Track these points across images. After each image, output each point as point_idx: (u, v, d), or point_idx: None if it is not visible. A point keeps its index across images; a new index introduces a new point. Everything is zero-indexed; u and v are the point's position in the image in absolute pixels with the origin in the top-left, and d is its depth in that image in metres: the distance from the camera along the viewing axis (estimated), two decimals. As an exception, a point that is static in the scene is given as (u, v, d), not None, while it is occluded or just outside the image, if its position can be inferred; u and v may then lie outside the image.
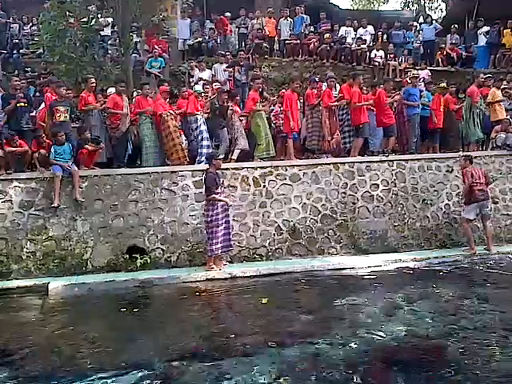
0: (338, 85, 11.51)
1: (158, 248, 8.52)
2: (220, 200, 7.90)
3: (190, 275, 7.79)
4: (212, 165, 8.09)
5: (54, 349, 5.12)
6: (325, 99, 9.80)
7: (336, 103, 9.86)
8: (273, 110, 10.60)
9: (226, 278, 7.75)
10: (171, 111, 9.35)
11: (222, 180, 8.20)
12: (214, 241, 7.88)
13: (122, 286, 7.45)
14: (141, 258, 8.19)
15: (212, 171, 8.02)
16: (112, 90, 10.15)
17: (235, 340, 5.13)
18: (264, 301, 6.40)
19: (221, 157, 8.42)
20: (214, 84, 11.34)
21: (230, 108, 9.49)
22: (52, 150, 8.48)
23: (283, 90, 10.77)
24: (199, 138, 9.38)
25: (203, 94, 10.15)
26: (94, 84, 9.65)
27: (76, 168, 8.51)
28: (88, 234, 8.37)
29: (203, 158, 9.18)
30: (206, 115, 9.81)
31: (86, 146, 8.83)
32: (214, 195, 7.85)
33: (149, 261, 8.27)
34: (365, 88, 10.34)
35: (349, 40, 14.93)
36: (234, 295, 7.04)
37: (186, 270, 8.08)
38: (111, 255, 8.31)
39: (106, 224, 8.46)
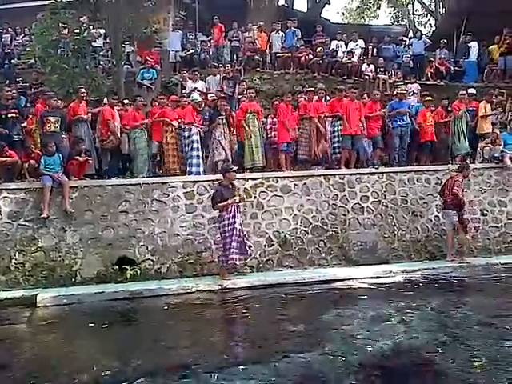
0: (328, 97, 11.65)
1: (148, 259, 8.49)
2: (223, 205, 7.87)
3: (180, 287, 7.73)
4: (226, 178, 8.11)
5: (41, 362, 5.03)
6: (314, 109, 9.95)
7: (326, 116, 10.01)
8: (264, 122, 10.66)
9: (216, 290, 7.71)
10: (175, 121, 9.49)
11: (234, 192, 8.08)
12: (227, 252, 7.91)
13: (111, 297, 7.37)
14: (131, 270, 8.13)
15: (224, 184, 8.06)
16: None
17: (225, 352, 5.08)
18: (241, 316, 6.33)
19: (234, 169, 8.35)
20: (210, 95, 11.34)
21: (219, 117, 9.54)
22: (42, 161, 8.46)
23: (276, 102, 10.86)
24: (189, 147, 9.39)
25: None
26: (85, 94, 9.68)
27: (66, 178, 8.49)
28: (77, 245, 8.31)
29: (193, 169, 9.21)
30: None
31: (77, 156, 8.81)
32: (218, 204, 7.90)
33: (139, 272, 8.21)
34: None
35: (340, 54, 15.09)
36: (224, 307, 7.00)
37: (177, 282, 8.03)
38: (101, 266, 8.26)
39: (96, 235, 8.41)
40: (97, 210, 8.52)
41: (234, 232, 7.88)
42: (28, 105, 11.07)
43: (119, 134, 9.43)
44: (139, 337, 5.75)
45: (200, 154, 9.40)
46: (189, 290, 7.67)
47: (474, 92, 11.95)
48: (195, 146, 9.34)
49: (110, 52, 13.04)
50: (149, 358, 4.90)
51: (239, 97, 11.77)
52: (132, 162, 9.54)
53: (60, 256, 8.21)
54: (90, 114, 9.64)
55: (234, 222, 7.92)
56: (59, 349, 5.39)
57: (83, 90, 9.66)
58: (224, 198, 7.89)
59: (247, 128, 9.70)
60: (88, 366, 4.79)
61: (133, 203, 8.66)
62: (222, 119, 9.52)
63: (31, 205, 8.31)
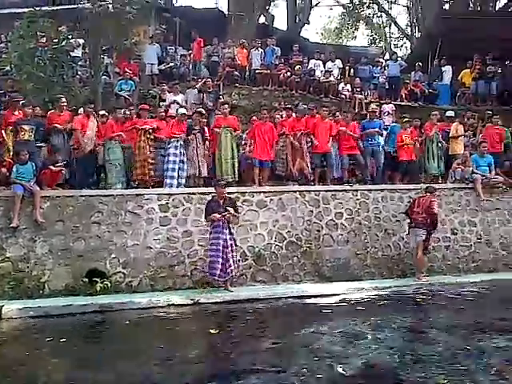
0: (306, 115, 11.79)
1: (119, 272, 8.35)
2: (208, 219, 8.06)
3: (151, 300, 7.61)
4: (216, 192, 8.23)
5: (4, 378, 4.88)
6: (289, 127, 10.06)
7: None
8: (241, 137, 10.71)
9: (188, 304, 7.63)
10: (149, 127, 9.49)
11: (225, 207, 8.01)
12: (206, 263, 8.18)
13: (80, 310, 7.20)
14: (101, 282, 7.98)
15: (216, 198, 8.17)
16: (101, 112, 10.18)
17: (195, 369, 5.01)
18: (213, 331, 6.24)
19: (222, 183, 8.44)
20: (196, 109, 11.33)
21: (193, 132, 9.56)
22: (14, 169, 8.31)
23: (254, 118, 10.93)
24: (165, 160, 9.38)
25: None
26: (65, 103, 9.60)
27: (38, 188, 8.33)
28: (47, 256, 8.14)
29: (168, 181, 9.19)
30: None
31: (50, 166, 8.68)
32: (207, 217, 8.06)
33: (109, 285, 8.06)
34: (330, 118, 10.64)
35: (317, 73, 15.32)
36: (194, 322, 6.93)
37: (148, 295, 7.91)
38: (70, 278, 8.08)
39: (67, 246, 8.25)
40: (68, 221, 8.37)
41: (217, 247, 7.90)
42: (2, 112, 10.86)
43: (91, 144, 9.31)
44: (104, 352, 5.63)
45: (176, 167, 9.35)
46: (160, 304, 7.56)
47: (453, 115, 12.29)
48: (171, 158, 9.32)
49: (88, 62, 12.97)
50: (113, 374, 4.79)
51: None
52: (107, 173, 9.44)
53: (28, 267, 8.01)
54: (70, 124, 9.52)
55: (218, 238, 7.94)
56: (22, 363, 5.23)
57: (64, 100, 9.59)
58: (213, 211, 7.96)
59: (218, 141, 9.70)
60: (49, 381, 4.67)
61: (106, 214, 8.54)
62: (196, 134, 9.55)
63: (0, 214, 8.13)
